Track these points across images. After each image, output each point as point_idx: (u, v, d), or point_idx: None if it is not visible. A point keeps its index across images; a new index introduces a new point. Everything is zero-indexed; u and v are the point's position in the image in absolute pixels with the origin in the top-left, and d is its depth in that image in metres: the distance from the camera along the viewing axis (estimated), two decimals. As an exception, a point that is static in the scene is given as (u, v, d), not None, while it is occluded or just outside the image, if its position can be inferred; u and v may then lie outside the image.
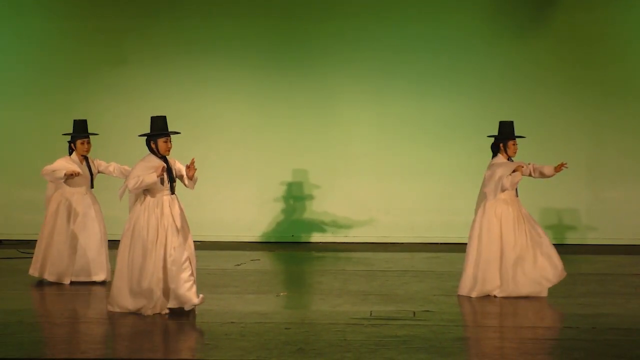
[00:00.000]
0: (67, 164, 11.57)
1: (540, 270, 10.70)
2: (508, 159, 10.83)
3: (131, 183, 9.65)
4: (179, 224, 9.76)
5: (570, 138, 15.06)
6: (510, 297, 10.60)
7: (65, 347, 8.58)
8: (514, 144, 10.83)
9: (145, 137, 9.92)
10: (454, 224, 14.85)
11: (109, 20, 15.23)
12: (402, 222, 15.22)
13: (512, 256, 10.67)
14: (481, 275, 10.72)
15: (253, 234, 15.33)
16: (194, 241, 9.95)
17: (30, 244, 13.37)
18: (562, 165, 10.99)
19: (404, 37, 15.13)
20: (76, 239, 11.58)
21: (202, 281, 10.79)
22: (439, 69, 15.13)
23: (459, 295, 10.77)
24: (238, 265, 13.01)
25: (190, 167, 9.91)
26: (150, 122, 9.90)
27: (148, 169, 9.72)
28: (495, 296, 10.70)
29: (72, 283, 11.55)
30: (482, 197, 10.95)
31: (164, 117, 9.92)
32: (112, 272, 10.89)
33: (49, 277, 11.65)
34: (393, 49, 15.15)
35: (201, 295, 9.76)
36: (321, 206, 15.34)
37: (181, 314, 9.69)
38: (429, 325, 9.33)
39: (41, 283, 11.67)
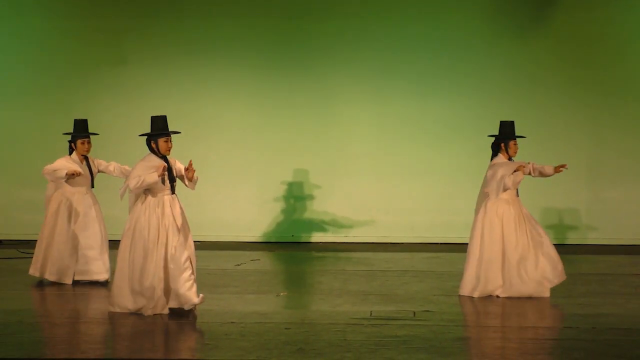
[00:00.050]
0: (67, 163, 11.58)
1: (541, 271, 10.71)
2: (509, 159, 10.84)
3: (132, 182, 9.65)
4: (179, 224, 9.77)
5: (570, 138, 15.07)
6: (512, 298, 10.60)
7: (65, 347, 8.58)
8: (515, 144, 10.85)
9: (146, 137, 9.92)
10: (454, 224, 14.86)
11: (109, 20, 15.23)
12: (402, 222, 15.22)
13: (514, 256, 10.67)
14: (484, 275, 10.72)
15: (253, 234, 15.33)
16: (194, 241, 9.95)
17: (30, 244, 13.36)
18: (562, 166, 11.00)
19: (404, 37, 15.13)
20: (77, 239, 11.58)
21: (202, 281, 10.79)
22: (439, 69, 15.13)
23: (460, 295, 10.76)
24: (238, 265, 13.01)
25: (188, 169, 9.91)
26: (150, 121, 9.90)
27: (149, 168, 9.73)
28: (497, 296, 10.69)
29: (74, 282, 11.55)
30: (482, 197, 10.96)
31: (164, 117, 9.92)
32: (112, 271, 10.89)
33: (49, 276, 11.65)
34: (393, 49, 15.15)
35: (201, 295, 9.76)
36: (321, 206, 15.34)
37: (181, 314, 9.69)
38: (429, 325, 9.33)
39: (41, 283, 11.67)
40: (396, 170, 15.21)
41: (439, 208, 15.14)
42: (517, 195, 10.90)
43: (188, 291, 9.67)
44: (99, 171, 11.83)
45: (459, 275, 11.57)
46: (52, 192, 11.76)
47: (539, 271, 10.70)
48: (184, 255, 9.68)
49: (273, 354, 8.32)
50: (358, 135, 15.26)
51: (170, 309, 9.74)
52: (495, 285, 10.72)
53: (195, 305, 9.72)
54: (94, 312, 10.22)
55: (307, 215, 15.38)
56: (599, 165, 15.11)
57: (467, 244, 11.12)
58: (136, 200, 9.88)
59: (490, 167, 10.81)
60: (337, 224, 15.32)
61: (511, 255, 10.68)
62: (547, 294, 10.68)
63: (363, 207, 15.25)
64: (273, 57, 15.22)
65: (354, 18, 15.17)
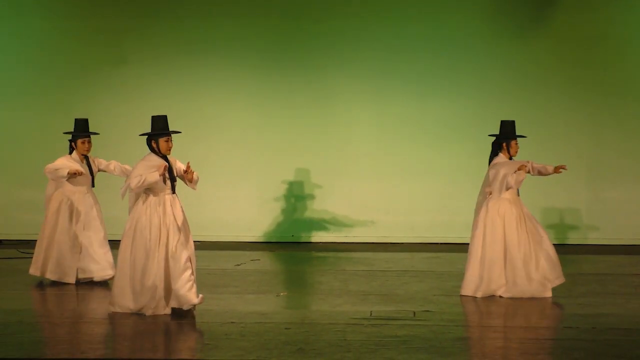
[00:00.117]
0: (69, 162, 11.58)
1: (542, 271, 10.71)
2: (509, 158, 10.85)
3: (134, 182, 9.65)
4: (180, 223, 9.77)
5: (570, 138, 15.07)
6: (513, 298, 10.59)
7: (66, 347, 8.58)
8: (516, 144, 10.87)
9: (146, 137, 9.92)
10: (454, 224, 14.86)
11: (109, 20, 15.23)
12: (402, 222, 15.22)
13: (519, 255, 10.66)
14: (486, 275, 10.71)
15: (253, 234, 15.32)
16: (194, 241, 9.95)
17: (30, 244, 13.36)
18: (561, 167, 11.01)
19: (404, 37, 15.13)
20: (79, 238, 11.57)
21: (202, 281, 10.80)
22: (439, 69, 15.13)
23: (462, 295, 10.75)
24: (238, 265, 13.01)
25: (187, 172, 9.92)
26: (151, 121, 9.90)
27: (150, 168, 9.73)
28: (500, 296, 10.68)
29: (78, 281, 11.54)
30: (483, 197, 10.96)
31: (165, 117, 9.93)
32: (112, 272, 10.90)
33: (50, 275, 11.65)
34: (393, 49, 15.15)
35: (201, 295, 9.76)
36: (321, 206, 15.34)
37: (181, 314, 9.69)
38: (429, 325, 9.33)
39: (41, 283, 11.67)
40: (396, 170, 15.21)
41: (439, 208, 15.14)
42: (518, 195, 10.91)
43: (188, 292, 9.67)
44: (99, 170, 11.84)
45: (459, 275, 11.57)
46: (52, 192, 11.76)
47: (540, 271, 10.70)
48: (184, 255, 9.68)
49: (273, 354, 8.32)
50: (358, 135, 15.26)
51: (171, 309, 9.74)
52: (498, 285, 10.72)
53: (195, 305, 9.72)
54: (94, 312, 10.22)
55: (307, 215, 15.38)
56: (599, 165, 15.10)
57: (467, 244, 11.12)
58: (136, 200, 9.88)
59: (492, 166, 10.81)
60: (337, 224, 15.32)
61: (515, 255, 10.68)
62: (549, 293, 10.68)
63: (363, 207, 15.24)
64: (273, 57, 15.22)
65: (354, 18, 15.17)
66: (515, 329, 9.46)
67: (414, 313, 9.88)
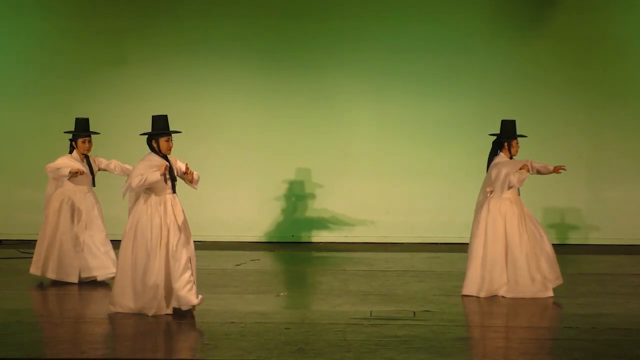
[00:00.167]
0: (70, 162, 11.58)
1: (543, 271, 10.71)
2: (510, 158, 10.85)
3: (135, 181, 9.65)
4: (180, 223, 9.77)
5: (570, 138, 15.07)
6: (515, 298, 10.59)
7: (65, 347, 8.58)
8: (517, 143, 10.88)
9: (147, 136, 9.92)
10: (454, 224, 14.86)
11: (109, 20, 15.23)
12: (402, 222, 15.22)
13: (520, 255, 10.66)
14: (488, 275, 10.71)
15: (253, 234, 15.33)
16: (194, 241, 9.95)
17: (31, 244, 13.36)
18: (561, 167, 11.02)
19: (404, 37, 15.13)
20: (82, 237, 11.57)
21: (202, 281, 10.79)
22: (439, 69, 15.13)
23: (464, 295, 10.73)
24: (238, 265, 13.01)
25: (186, 173, 9.92)
26: (151, 121, 9.90)
27: (151, 167, 9.73)
28: (503, 297, 10.67)
29: (80, 281, 11.53)
30: (483, 196, 10.95)
31: (165, 116, 9.93)
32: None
33: (51, 275, 11.64)
34: (393, 49, 15.15)
35: (200, 296, 9.75)
36: (321, 206, 15.34)
37: (181, 314, 9.69)
38: (429, 325, 9.33)
39: (42, 283, 11.67)
40: (396, 170, 15.21)
41: (439, 208, 15.15)
42: (519, 194, 10.92)
43: (188, 293, 9.66)
44: (99, 169, 11.84)
45: (459, 275, 11.57)
46: (52, 191, 11.76)
47: (541, 271, 10.70)
48: (184, 255, 9.68)
49: (273, 354, 8.32)
50: (358, 135, 15.26)
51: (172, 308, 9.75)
52: (500, 284, 10.71)
53: (194, 306, 9.71)
54: (94, 312, 10.22)
55: (307, 215, 15.38)
56: (599, 165, 15.11)
57: (467, 244, 11.12)
58: (136, 200, 9.88)
59: (494, 165, 10.80)
60: (337, 224, 15.32)
61: (517, 255, 10.67)
62: (550, 293, 10.68)
63: (363, 207, 15.24)
64: (273, 57, 15.23)
65: (354, 18, 15.17)
66: (515, 329, 9.46)
67: (414, 313, 9.88)
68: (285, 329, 9.22)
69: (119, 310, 9.80)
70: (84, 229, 11.61)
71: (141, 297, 9.71)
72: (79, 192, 11.67)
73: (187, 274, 9.67)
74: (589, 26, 15.04)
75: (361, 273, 12.43)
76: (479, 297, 10.67)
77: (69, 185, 11.65)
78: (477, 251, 10.79)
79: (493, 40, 15.09)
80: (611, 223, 15.07)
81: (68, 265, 11.57)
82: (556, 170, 11.02)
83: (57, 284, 11.58)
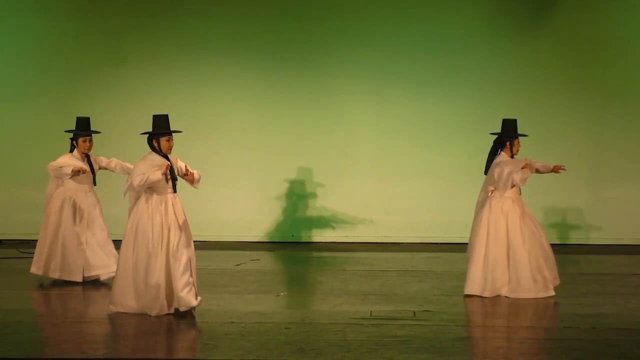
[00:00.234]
0: (71, 160, 11.58)
1: (542, 271, 10.71)
2: (511, 157, 10.85)
3: (136, 180, 9.65)
4: (181, 222, 9.77)
5: (570, 138, 15.07)
6: (519, 298, 10.58)
7: (66, 347, 8.58)
8: (518, 142, 10.88)
9: (147, 136, 9.92)
10: (454, 224, 14.85)
11: (109, 20, 15.23)
12: (402, 222, 15.22)
13: (523, 255, 10.65)
14: (490, 274, 10.70)
15: (253, 234, 15.32)
16: (194, 241, 9.95)
17: (31, 243, 13.38)
18: (560, 167, 11.02)
19: (404, 37, 15.13)
20: (84, 236, 11.56)
21: (202, 281, 10.79)
22: (439, 69, 15.12)
23: (466, 295, 10.72)
24: (238, 265, 13.01)
25: (187, 175, 9.93)
26: (152, 120, 9.90)
27: (152, 167, 9.73)
28: (506, 297, 10.66)
29: (84, 280, 11.53)
30: (484, 195, 10.95)
31: (166, 116, 9.94)
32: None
33: (54, 274, 11.62)
34: (393, 49, 15.15)
35: (199, 298, 9.75)
36: (321, 206, 15.34)
37: (181, 314, 9.69)
38: (429, 325, 9.33)
39: (42, 283, 11.66)
40: (396, 170, 15.21)
41: (439, 208, 15.14)
42: (520, 194, 10.92)
43: (187, 294, 9.66)
44: (100, 168, 11.84)
45: (459, 275, 11.57)
46: (53, 190, 11.75)
47: (541, 271, 10.71)
48: (185, 256, 9.68)
49: (273, 354, 8.32)
50: (358, 135, 15.26)
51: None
52: (502, 283, 10.70)
53: (193, 307, 9.70)
54: (94, 312, 10.22)
55: (307, 215, 15.38)
56: (599, 165, 15.10)
57: (467, 243, 11.12)
58: (137, 199, 9.88)
59: (496, 164, 10.79)
60: (337, 224, 15.32)
61: (520, 254, 10.66)
62: (551, 293, 10.68)
63: (363, 207, 15.24)
64: (273, 57, 15.22)
65: (354, 18, 15.16)
66: (515, 329, 9.46)
67: (414, 313, 9.88)
68: (285, 329, 9.22)
69: (120, 310, 9.80)
70: (86, 228, 11.61)
71: (143, 297, 9.70)
72: (80, 191, 11.67)
73: (187, 275, 9.67)
74: (589, 26, 15.04)
75: (361, 273, 12.43)
76: (480, 297, 10.66)
77: (70, 185, 11.65)
78: (479, 250, 10.78)
79: (493, 40, 15.08)
80: (611, 223, 15.06)
81: (72, 264, 11.56)
82: (555, 169, 11.03)
83: (57, 283, 11.58)
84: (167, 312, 9.69)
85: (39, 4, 15.30)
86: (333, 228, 15.32)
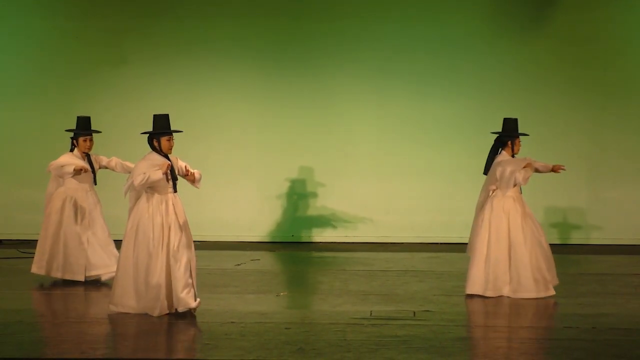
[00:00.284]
0: (72, 160, 11.57)
1: (542, 270, 10.72)
2: (512, 156, 10.85)
3: (137, 180, 9.64)
4: (181, 222, 9.77)
5: (570, 138, 15.07)
6: (522, 298, 10.57)
7: (66, 347, 8.58)
8: (519, 141, 10.89)
9: (148, 135, 9.92)
10: (454, 224, 14.86)
11: (109, 20, 15.23)
12: (402, 222, 15.22)
13: (525, 254, 10.64)
14: (492, 274, 10.70)
15: (253, 234, 15.33)
16: (194, 241, 9.95)
17: (31, 244, 13.38)
18: (560, 167, 11.02)
19: (404, 37, 15.13)
20: (85, 236, 11.56)
21: (202, 281, 10.79)
22: (439, 69, 15.13)
23: (468, 295, 10.71)
24: (238, 265, 13.01)
25: (188, 175, 9.93)
26: (152, 120, 9.90)
27: (153, 166, 9.73)
28: (508, 297, 10.66)
29: (85, 279, 11.53)
30: (485, 195, 10.94)
31: (167, 115, 9.94)
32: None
33: (56, 273, 11.61)
34: (393, 49, 15.15)
35: (198, 300, 9.74)
36: (321, 206, 15.34)
37: (182, 314, 9.69)
38: (429, 325, 9.33)
39: (42, 283, 11.66)
40: (396, 170, 15.21)
41: (439, 208, 15.15)
42: (521, 193, 10.92)
43: (186, 295, 9.66)
44: (100, 167, 11.83)
45: (459, 275, 11.57)
46: (53, 190, 11.74)
47: (541, 271, 10.71)
48: (185, 256, 9.68)
49: (273, 354, 8.32)
50: (358, 135, 15.26)
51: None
52: (503, 282, 10.69)
53: (192, 309, 9.69)
54: (94, 312, 10.22)
55: (307, 215, 15.38)
56: (599, 165, 15.11)
57: (467, 243, 11.11)
58: (137, 199, 9.88)
59: (498, 164, 10.78)
60: (337, 224, 15.32)
61: (521, 254, 10.65)
62: (552, 292, 10.68)
63: (363, 206, 15.24)
64: (273, 57, 15.23)
65: (354, 18, 15.17)
66: (515, 329, 9.46)
67: (414, 313, 9.88)
68: (285, 329, 9.22)
69: (121, 310, 9.80)
70: (87, 228, 11.60)
71: (144, 297, 9.70)
72: (80, 191, 11.67)
73: (187, 276, 9.67)
74: (589, 26, 15.04)
75: (361, 273, 12.43)
76: (482, 297, 10.65)
77: (70, 184, 11.64)
78: (480, 250, 10.77)
79: (493, 40, 15.09)
80: (611, 223, 15.06)
81: (74, 264, 11.55)
82: (555, 169, 11.03)
83: (57, 283, 11.58)
84: (167, 312, 9.68)
85: (39, 4, 15.30)
86: (333, 228, 15.32)
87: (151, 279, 9.64)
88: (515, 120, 10.90)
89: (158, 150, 9.89)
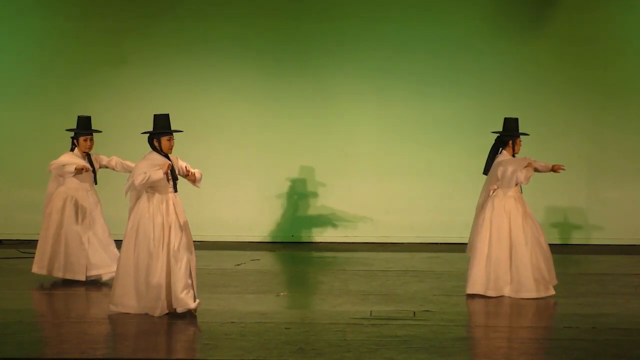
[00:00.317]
0: (73, 159, 11.57)
1: (542, 270, 10.72)
2: (512, 156, 10.85)
3: (138, 179, 9.64)
4: (182, 222, 9.77)
5: (570, 138, 15.07)
6: (523, 298, 10.57)
7: (66, 347, 8.58)
8: (520, 141, 10.89)
9: (148, 135, 9.92)
10: (454, 224, 14.86)
11: (109, 20, 15.23)
12: (402, 222, 15.22)
13: (526, 255, 10.64)
14: (493, 273, 10.69)
15: (253, 234, 15.32)
16: (194, 241, 9.95)
17: (31, 243, 13.37)
18: (559, 167, 11.02)
19: (404, 37, 15.13)
20: (86, 235, 11.55)
21: (202, 281, 10.79)
22: (439, 69, 15.13)
23: (469, 294, 10.71)
24: (238, 265, 13.01)
25: (189, 175, 9.93)
26: (153, 120, 9.90)
27: (153, 166, 9.73)
28: (510, 297, 10.65)
29: (87, 278, 11.52)
30: (485, 197, 10.94)
31: (167, 115, 9.94)
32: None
33: (57, 273, 11.60)
34: (393, 49, 15.15)
35: (197, 301, 9.74)
36: (321, 206, 15.34)
37: (182, 314, 9.68)
38: (429, 325, 9.33)
39: (42, 283, 11.66)
40: (396, 170, 15.21)
41: (439, 208, 15.15)
42: (521, 192, 10.92)
43: (186, 296, 9.66)
44: (100, 167, 11.83)
45: (459, 275, 11.57)
46: (53, 190, 11.73)
47: (541, 271, 10.71)
48: (185, 257, 9.68)
49: (273, 354, 8.32)
50: (358, 135, 15.26)
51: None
52: (504, 282, 10.69)
53: (191, 309, 9.69)
54: (94, 312, 10.22)
55: (307, 215, 15.38)
56: (599, 165, 15.10)
57: (466, 243, 11.11)
58: (137, 199, 9.87)
59: (499, 163, 10.78)
60: (337, 224, 15.32)
61: (523, 254, 10.64)
62: (552, 292, 10.68)
63: (363, 206, 15.24)
64: (273, 57, 15.22)
65: (354, 18, 15.16)
66: (515, 329, 9.46)
67: (414, 313, 9.88)
68: (285, 329, 9.22)
69: (121, 310, 9.79)
70: (88, 227, 11.60)
71: (144, 297, 9.70)
72: (81, 190, 11.66)
73: (186, 277, 9.66)
74: (589, 26, 15.04)
75: (361, 273, 12.43)
76: (483, 296, 10.65)
77: (71, 184, 11.63)
78: (481, 249, 10.76)
79: (493, 40, 15.09)
80: (611, 223, 15.06)
81: (75, 264, 11.54)
82: (555, 169, 11.03)
83: (57, 283, 11.58)
84: (167, 311, 9.68)
85: (39, 4, 15.30)
86: (333, 228, 15.31)
87: (152, 279, 9.64)
88: (516, 119, 10.90)
89: (158, 150, 9.89)
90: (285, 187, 15.35)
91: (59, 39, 15.30)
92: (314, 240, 15.32)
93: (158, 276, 9.63)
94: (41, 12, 15.28)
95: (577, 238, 15.12)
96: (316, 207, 15.35)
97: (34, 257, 11.81)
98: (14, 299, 10.85)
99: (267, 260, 13.74)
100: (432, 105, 15.15)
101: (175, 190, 9.90)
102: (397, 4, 15.13)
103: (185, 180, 10.06)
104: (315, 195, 15.37)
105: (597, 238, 15.08)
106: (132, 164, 11.29)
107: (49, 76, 15.30)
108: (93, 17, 15.24)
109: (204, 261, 12.42)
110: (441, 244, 15.05)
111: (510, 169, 10.68)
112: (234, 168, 15.27)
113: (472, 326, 9.73)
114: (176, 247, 9.67)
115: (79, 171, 11.46)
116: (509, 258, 10.71)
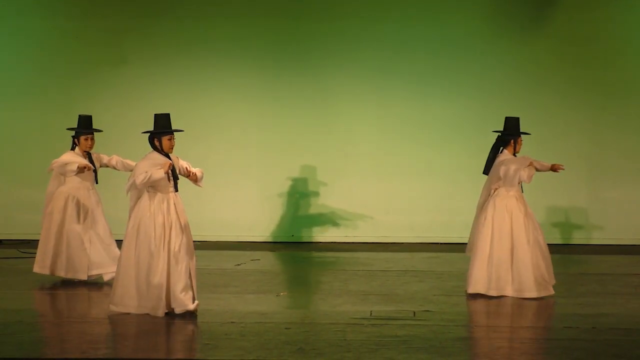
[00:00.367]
0: (74, 158, 11.56)
1: (542, 270, 10.72)
2: (513, 155, 10.85)
3: (139, 178, 9.64)
4: (182, 222, 9.77)
5: (570, 138, 15.07)
6: (523, 298, 10.57)
7: (66, 347, 8.58)
8: (521, 140, 10.90)
9: (149, 135, 9.91)
10: (454, 224, 14.85)
11: (109, 20, 15.23)
12: (402, 222, 15.22)
13: (527, 254, 10.64)
14: (495, 273, 10.69)
15: (253, 234, 15.32)
16: (194, 241, 9.95)
17: (31, 243, 13.38)
18: (559, 167, 11.02)
19: (404, 37, 15.13)
20: (88, 234, 11.55)
21: (202, 281, 10.79)
22: (439, 69, 15.13)
23: (470, 294, 10.70)
24: (238, 265, 13.01)
25: (190, 175, 9.94)
26: (153, 119, 9.90)
27: (154, 165, 9.73)
28: (511, 297, 10.65)
29: (88, 277, 11.52)
30: (486, 197, 10.93)
31: (168, 115, 9.94)
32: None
33: (60, 272, 11.58)
34: (393, 49, 15.15)
35: (196, 302, 9.73)
36: (321, 206, 15.34)
37: (182, 314, 9.68)
38: (429, 325, 9.33)
39: (42, 283, 11.65)
40: (396, 170, 15.21)
41: (439, 208, 15.15)
42: (522, 192, 10.92)
43: (185, 296, 9.66)
44: (101, 166, 11.83)
45: (459, 275, 11.57)
46: (54, 189, 11.72)
47: (541, 270, 10.71)
48: (185, 257, 9.68)
49: (273, 354, 8.32)
50: (358, 135, 15.26)
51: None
52: (506, 282, 10.69)
53: (189, 310, 9.68)
54: (94, 312, 10.22)
55: (308, 215, 15.38)
56: (599, 165, 15.10)
57: (466, 243, 11.11)
58: (138, 199, 9.87)
59: (501, 163, 10.77)
60: (337, 224, 15.32)
61: (524, 254, 10.64)
62: (552, 292, 10.68)
63: (363, 206, 15.24)
64: (273, 57, 15.22)
65: (354, 18, 15.17)
66: (515, 329, 9.46)
67: (414, 313, 9.88)
68: (285, 329, 9.22)
69: (122, 310, 9.79)
70: (89, 226, 11.59)
71: (145, 297, 9.69)
72: (82, 189, 11.65)
73: (186, 277, 9.66)
74: (589, 26, 15.04)
75: (361, 273, 12.43)
76: (484, 296, 10.64)
77: (72, 183, 11.62)
78: (482, 249, 10.75)
79: (493, 40, 15.09)
80: (611, 223, 15.06)
81: (77, 263, 11.53)
82: (554, 168, 11.03)
83: (58, 283, 11.57)
84: (168, 310, 9.68)
85: (39, 4, 15.30)
86: (333, 228, 15.31)
87: (153, 279, 9.64)
88: (517, 119, 10.90)
89: (159, 150, 9.89)
90: (285, 187, 15.35)
91: (59, 39, 15.31)
92: (314, 240, 15.32)
93: (159, 276, 9.63)
94: (41, 12, 15.28)
95: (577, 238, 15.12)
96: (316, 207, 15.35)
97: (34, 257, 11.81)
98: (14, 299, 10.85)
99: (267, 260, 13.74)
100: (432, 105, 15.15)
101: (176, 190, 9.90)
102: (397, 4, 15.14)
103: (185, 179, 10.06)
104: (315, 195, 15.37)
105: (598, 238, 15.08)
106: (132, 163, 11.29)
107: (49, 76, 15.31)
108: (93, 17, 15.24)
109: (204, 261, 12.42)
110: (441, 244, 15.05)
111: (512, 167, 10.68)
112: (234, 168, 15.27)
113: (472, 326, 9.73)
114: (177, 247, 9.67)
115: (81, 170, 11.46)
116: (510, 258, 10.71)
